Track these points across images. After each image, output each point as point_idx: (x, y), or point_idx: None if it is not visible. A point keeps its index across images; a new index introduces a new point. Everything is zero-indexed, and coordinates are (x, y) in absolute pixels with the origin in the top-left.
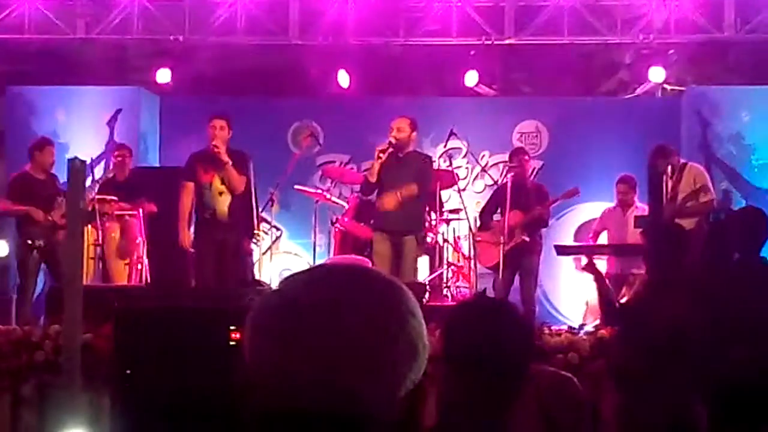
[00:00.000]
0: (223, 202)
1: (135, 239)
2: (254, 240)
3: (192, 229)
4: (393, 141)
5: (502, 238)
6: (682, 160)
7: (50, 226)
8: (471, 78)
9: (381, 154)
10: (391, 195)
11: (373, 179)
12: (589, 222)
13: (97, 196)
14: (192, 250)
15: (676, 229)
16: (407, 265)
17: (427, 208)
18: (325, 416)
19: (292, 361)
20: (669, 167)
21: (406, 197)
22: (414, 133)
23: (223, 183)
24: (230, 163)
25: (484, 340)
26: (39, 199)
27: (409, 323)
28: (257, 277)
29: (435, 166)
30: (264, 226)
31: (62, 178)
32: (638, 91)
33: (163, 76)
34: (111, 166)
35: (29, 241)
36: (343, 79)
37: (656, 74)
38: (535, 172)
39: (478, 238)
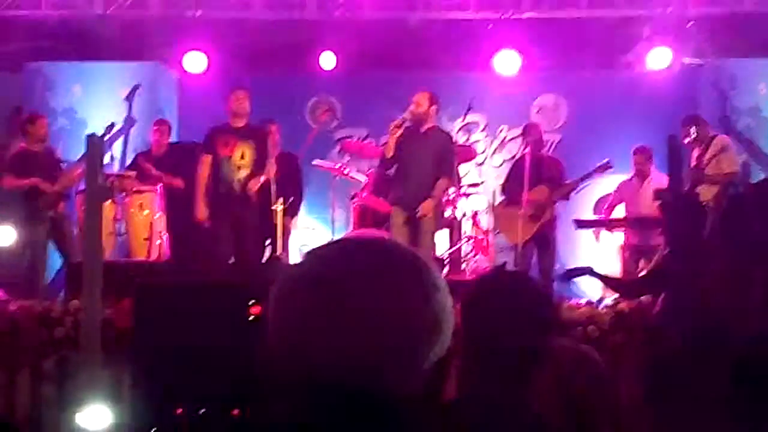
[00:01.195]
0: (243, 176)
1: (155, 214)
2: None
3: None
4: (408, 116)
5: (524, 212)
6: (713, 132)
7: (55, 198)
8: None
9: (395, 129)
10: (427, 202)
11: (389, 154)
12: (608, 195)
13: (117, 172)
14: (207, 223)
15: (695, 201)
16: (425, 239)
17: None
18: (347, 390)
19: (315, 335)
20: (696, 137)
21: (439, 195)
22: (433, 107)
23: (242, 157)
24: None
25: (502, 314)
26: (41, 172)
27: (433, 297)
28: (276, 252)
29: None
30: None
31: (80, 153)
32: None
33: (193, 62)
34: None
35: (38, 214)
36: (328, 60)
37: (657, 58)
38: (553, 146)
39: (500, 213)
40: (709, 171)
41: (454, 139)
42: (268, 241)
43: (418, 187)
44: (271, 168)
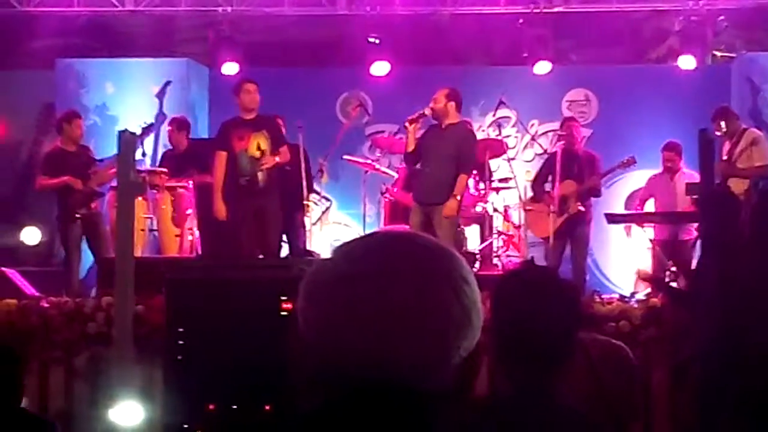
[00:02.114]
0: (260, 168)
1: (186, 210)
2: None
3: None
4: (426, 112)
5: (552, 207)
6: (743, 126)
7: (88, 195)
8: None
9: (408, 125)
10: (451, 202)
11: (410, 149)
12: (639, 190)
13: (149, 168)
14: (224, 219)
15: (729, 195)
16: (443, 234)
17: (477, 178)
18: (378, 384)
19: (345, 329)
20: (726, 130)
21: (460, 193)
22: (451, 104)
23: (258, 148)
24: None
25: (529, 310)
26: (73, 171)
27: (462, 291)
28: (308, 247)
29: (484, 135)
30: (314, 196)
31: (112, 150)
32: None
33: (230, 69)
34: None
35: (71, 212)
36: (381, 68)
37: (686, 62)
38: (584, 141)
39: (529, 208)
40: (740, 164)
41: (474, 133)
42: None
43: (436, 184)
44: (286, 153)
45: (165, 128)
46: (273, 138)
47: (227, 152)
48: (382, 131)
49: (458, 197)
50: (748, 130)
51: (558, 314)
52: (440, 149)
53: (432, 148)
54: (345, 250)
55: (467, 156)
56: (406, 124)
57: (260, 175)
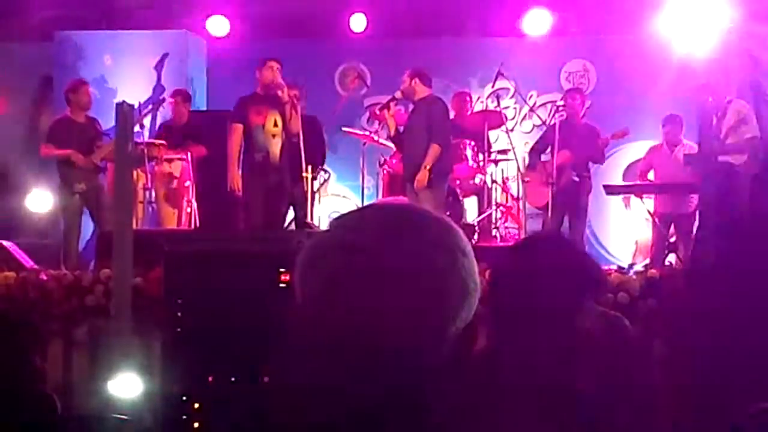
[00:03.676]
0: (276, 144)
1: (184, 183)
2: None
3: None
4: (397, 95)
5: (548, 177)
6: (728, 98)
7: (91, 170)
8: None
9: (377, 111)
10: (420, 174)
11: (392, 132)
12: (638, 161)
13: (146, 140)
14: (241, 192)
15: (728, 167)
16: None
17: (476, 149)
18: (374, 353)
19: (342, 300)
20: (711, 103)
21: (430, 162)
22: (415, 80)
23: (275, 125)
24: (292, 103)
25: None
26: (79, 143)
27: (459, 261)
28: (306, 219)
29: (482, 106)
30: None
31: (110, 122)
32: None
33: (217, 25)
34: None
35: (71, 185)
36: (358, 23)
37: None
38: (583, 112)
39: (527, 179)
40: (730, 140)
41: (444, 103)
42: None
43: (412, 158)
44: (297, 125)
45: (167, 100)
46: (287, 116)
47: (243, 126)
48: (380, 103)
49: (427, 167)
50: (733, 102)
51: (572, 276)
52: (413, 125)
53: (408, 126)
54: (342, 222)
55: (438, 126)
56: (377, 111)
57: (275, 150)
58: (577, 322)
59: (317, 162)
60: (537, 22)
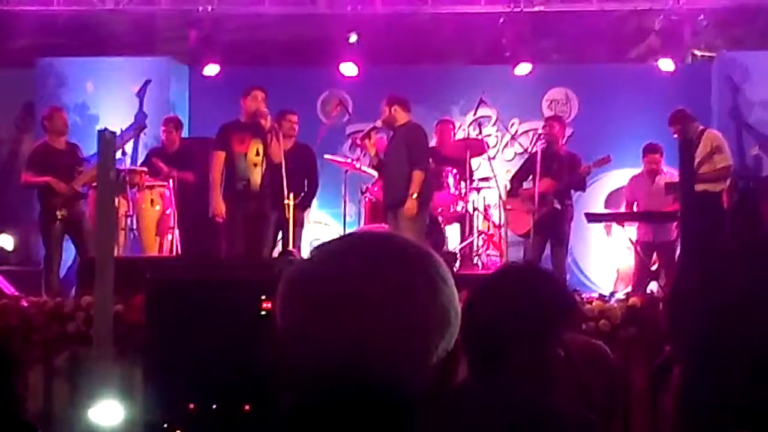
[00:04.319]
0: (257, 173)
1: (166, 210)
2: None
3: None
4: (378, 124)
5: (530, 205)
6: (701, 127)
7: (72, 196)
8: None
9: (358, 140)
10: (408, 202)
11: (375, 162)
12: (620, 189)
13: (129, 167)
14: (223, 219)
15: (710, 196)
16: (408, 235)
17: (458, 177)
18: (355, 384)
19: (323, 330)
20: (685, 134)
21: (416, 190)
22: (394, 108)
23: (257, 154)
24: (274, 132)
25: (516, 301)
26: (59, 169)
27: (440, 291)
28: (288, 246)
29: (464, 134)
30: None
31: (92, 149)
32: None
33: (211, 70)
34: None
35: (52, 212)
36: (350, 69)
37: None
38: (564, 140)
39: (509, 206)
40: (704, 169)
41: (422, 129)
42: (279, 236)
43: (394, 185)
44: (280, 154)
45: (150, 126)
46: (268, 146)
47: (225, 153)
48: (362, 130)
49: (414, 195)
50: (706, 132)
51: (543, 305)
52: (394, 152)
53: (388, 153)
54: (323, 250)
55: (417, 152)
56: (358, 141)
57: (256, 179)
58: (549, 352)
59: (310, 192)
60: (522, 69)
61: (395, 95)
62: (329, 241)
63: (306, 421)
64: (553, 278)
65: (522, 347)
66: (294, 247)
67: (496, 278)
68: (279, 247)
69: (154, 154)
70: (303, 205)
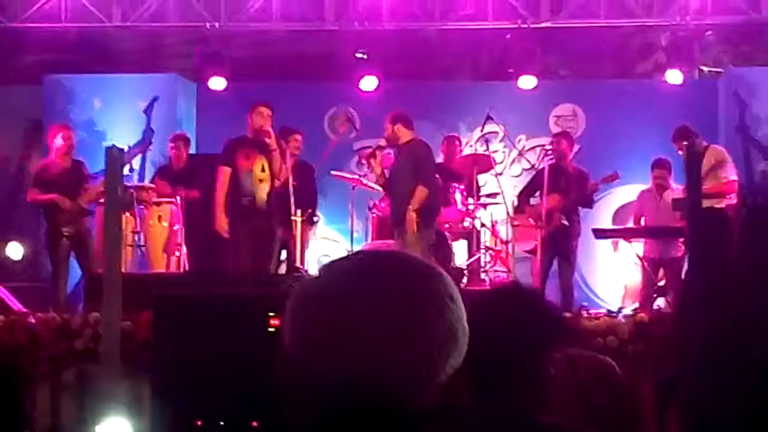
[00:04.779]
0: (263, 189)
1: (173, 226)
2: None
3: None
4: (382, 143)
5: (536, 221)
6: (704, 143)
7: (78, 213)
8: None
9: (363, 160)
10: (408, 216)
11: (381, 181)
12: (627, 205)
13: (136, 184)
14: (227, 236)
15: (717, 211)
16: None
17: (465, 193)
18: (363, 402)
19: (331, 347)
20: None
21: (416, 205)
22: (397, 126)
23: (263, 170)
24: (278, 150)
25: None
26: (66, 186)
27: (448, 308)
28: (295, 263)
29: (472, 150)
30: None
31: (100, 165)
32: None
33: (217, 84)
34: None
35: (58, 230)
36: (369, 83)
37: (673, 77)
38: (572, 156)
39: (516, 222)
40: (708, 185)
41: (427, 145)
42: (284, 254)
43: (399, 202)
44: (286, 172)
45: (157, 143)
46: (274, 163)
47: (231, 169)
48: (370, 146)
49: (412, 209)
50: (710, 147)
51: (530, 329)
52: (399, 170)
53: (393, 171)
54: (331, 268)
55: (423, 169)
56: (364, 161)
57: (262, 195)
58: (542, 372)
59: (311, 210)
60: (527, 83)
61: (397, 113)
62: (337, 260)
63: None
64: (539, 298)
65: (512, 369)
66: (300, 263)
67: (483, 303)
68: (283, 264)
69: (161, 172)
70: (309, 222)
